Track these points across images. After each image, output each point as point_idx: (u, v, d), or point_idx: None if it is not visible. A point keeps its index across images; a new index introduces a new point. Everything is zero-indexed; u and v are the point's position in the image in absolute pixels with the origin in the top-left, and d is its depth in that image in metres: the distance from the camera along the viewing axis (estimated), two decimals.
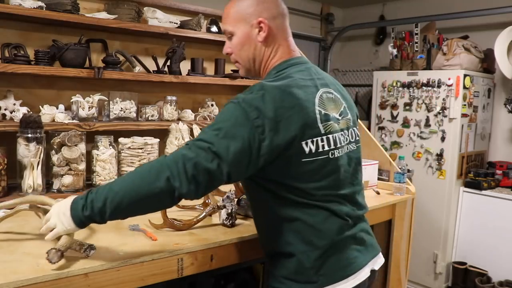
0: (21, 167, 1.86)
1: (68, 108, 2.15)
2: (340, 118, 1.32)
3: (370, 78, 4.35)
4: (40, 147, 1.87)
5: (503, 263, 3.32)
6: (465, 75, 3.42)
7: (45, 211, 1.34)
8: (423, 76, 3.63)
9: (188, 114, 2.53)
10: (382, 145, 3.69)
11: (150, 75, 2.35)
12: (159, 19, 2.36)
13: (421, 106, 3.65)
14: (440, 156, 3.53)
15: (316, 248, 1.24)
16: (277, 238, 1.28)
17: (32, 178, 1.85)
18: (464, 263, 3.51)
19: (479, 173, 3.52)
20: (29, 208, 1.48)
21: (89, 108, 2.13)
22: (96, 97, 2.15)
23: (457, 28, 3.92)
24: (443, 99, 3.50)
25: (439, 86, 3.52)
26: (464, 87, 3.44)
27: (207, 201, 1.77)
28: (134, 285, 1.30)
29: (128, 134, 2.22)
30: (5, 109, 1.99)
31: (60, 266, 1.18)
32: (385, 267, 2.37)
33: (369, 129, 3.57)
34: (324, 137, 1.24)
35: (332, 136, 1.26)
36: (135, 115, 2.31)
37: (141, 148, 2.15)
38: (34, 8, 1.94)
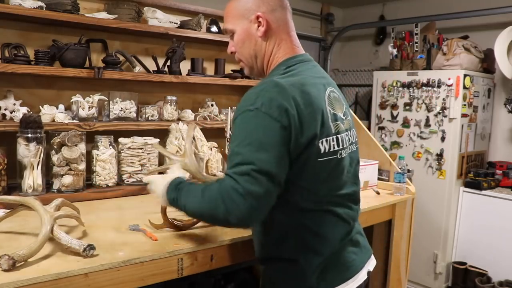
0: (21, 167, 1.86)
1: (68, 108, 2.15)
2: (344, 118, 1.31)
3: (370, 78, 4.35)
4: (40, 147, 1.87)
5: (503, 263, 3.32)
6: (465, 75, 3.42)
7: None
8: (423, 76, 3.63)
9: (188, 114, 2.53)
10: (382, 145, 3.69)
11: (150, 75, 2.35)
12: (159, 19, 2.36)
13: (421, 106, 3.65)
14: (440, 156, 3.53)
15: (319, 255, 1.23)
16: (281, 245, 1.26)
17: (32, 178, 1.85)
18: (464, 263, 3.51)
19: (479, 173, 3.51)
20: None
21: (89, 108, 2.13)
22: (96, 97, 2.15)
23: (457, 28, 3.92)
24: (443, 99, 3.50)
25: (439, 86, 3.52)
26: (464, 87, 3.44)
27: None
28: (134, 285, 1.30)
29: (128, 134, 2.22)
30: (5, 109, 2.00)
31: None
32: (385, 267, 2.37)
33: (369, 129, 3.57)
34: (334, 137, 1.22)
35: (340, 136, 1.25)
36: (135, 115, 2.31)
37: (141, 148, 2.15)
38: (34, 8, 1.94)
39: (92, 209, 1.56)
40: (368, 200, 2.14)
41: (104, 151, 2.06)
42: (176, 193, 1.24)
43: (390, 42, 4.01)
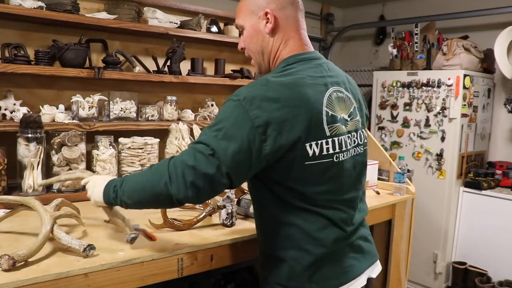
0: (21, 167, 1.86)
1: (68, 108, 2.15)
2: (348, 119, 1.27)
3: (370, 78, 4.35)
4: (40, 147, 1.87)
5: (503, 263, 3.32)
6: (465, 75, 3.42)
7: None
8: (423, 76, 3.63)
9: (188, 114, 2.53)
10: (382, 145, 3.69)
11: (150, 75, 2.35)
12: (159, 19, 2.36)
13: (421, 106, 3.65)
14: (440, 156, 3.53)
15: (309, 255, 1.21)
16: (272, 241, 1.26)
17: (32, 178, 1.85)
18: (464, 263, 3.51)
19: (479, 173, 3.51)
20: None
21: (89, 108, 2.13)
22: (96, 97, 2.16)
23: (457, 28, 3.92)
24: (443, 99, 3.50)
25: (439, 86, 3.52)
26: (464, 87, 3.44)
27: (207, 201, 1.76)
28: (134, 285, 1.30)
29: (128, 134, 2.22)
30: (5, 109, 2.00)
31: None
32: (385, 267, 2.37)
33: (369, 129, 3.57)
34: (329, 140, 1.18)
35: (338, 139, 1.21)
36: (135, 115, 2.31)
37: (141, 148, 2.15)
38: (34, 8, 1.94)
39: (92, 209, 1.56)
40: (368, 200, 2.11)
41: (104, 151, 2.06)
42: (114, 187, 1.25)
43: (390, 42, 4.01)
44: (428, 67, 3.68)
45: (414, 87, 3.67)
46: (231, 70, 2.80)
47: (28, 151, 1.84)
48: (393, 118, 3.84)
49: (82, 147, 1.98)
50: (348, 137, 1.26)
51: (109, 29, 2.26)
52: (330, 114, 1.19)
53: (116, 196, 1.24)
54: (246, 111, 1.09)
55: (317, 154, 1.16)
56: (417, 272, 3.66)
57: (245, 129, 1.09)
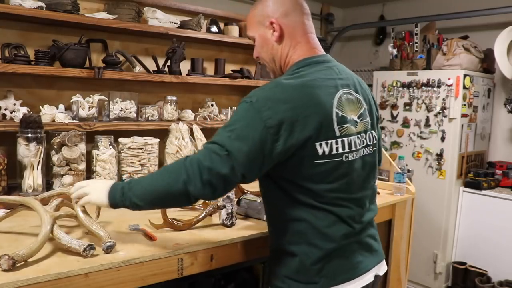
0: (21, 167, 1.86)
1: (68, 108, 2.15)
2: (358, 120, 1.30)
3: (370, 78, 4.35)
4: (40, 147, 1.87)
5: (503, 263, 3.32)
6: (465, 75, 3.42)
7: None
8: (423, 76, 3.63)
9: (188, 114, 2.53)
10: (382, 145, 3.68)
11: (150, 75, 2.36)
12: (159, 19, 2.36)
13: (421, 106, 3.64)
14: (440, 156, 3.53)
15: (319, 250, 1.24)
16: (283, 236, 1.29)
17: (32, 178, 1.85)
18: (464, 263, 3.51)
19: (479, 173, 3.51)
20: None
21: (89, 108, 2.13)
22: (96, 97, 2.16)
23: (457, 28, 3.92)
24: (443, 99, 3.50)
25: (439, 86, 3.52)
26: (464, 87, 3.44)
27: (207, 201, 1.77)
28: (134, 285, 1.30)
29: (128, 134, 2.22)
30: (5, 109, 2.00)
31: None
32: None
33: None
34: (339, 140, 1.22)
35: (347, 139, 1.25)
36: (135, 115, 2.31)
37: (141, 148, 2.15)
38: (34, 8, 1.94)
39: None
40: None
41: (104, 151, 2.06)
42: (122, 190, 1.26)
43: (390, 42, 4.01)
44: (428, 67, 3.68)
45: (414, 87, 3.67)
46: (231, 70, 2.80)
47: (28, 151, 1.84)
48: (393, 118, 3.84)
49: (82, 147, 1.98)
50: (358, 137, 1.29)
51: (109, 29, 2.26)
52: (340, 115, 1.23)
53: (125, 198, 1.25)
54: (258, 112, 1.14)
55: (326, 153, 1.20)
56: (417, 272, 3.66)
57: (257, 130, 1.13)
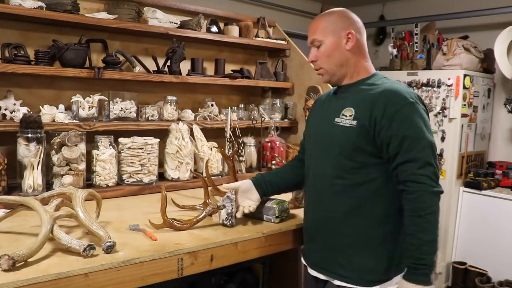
0: (21, 167, 1.86)
1: (68, 108, 2.15)
2: None
3: None
4: (40, 147, 1.87)
5: (503, 263, 3.32)
6: (465, 75, 3.42)
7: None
8: (423, 76, 3.63)
9: (188, 114, 2.53)
10: None
11: (150, 75, 2.35)
12: (159, 19, 2.36)
13: None
14: (440, 156, 3.53)
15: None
16: (391, 228, 1.43)
17: (32, 178, 1.85)
18: (464, 263, 3.51)
19: (479, 173, 3.51)
20: None
21: (89, 108, 2.13)
22: (96, 97, 2.16)
23: (457, 28, 3.92)
24: (443, 99, 3.50)
25: (439, 86, 3.52)
26: (464, 87, 3.44)
27: (207, 201, 1.77)
28: (134, 285, 1.30)
29: (128, 134, 2.22)
30: (5, 109, 2.00)
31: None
32: None
33: None
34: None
35: None
36: (135, 115, 2.31)
37: (141, 148, 2.15)
38: (34, 8, 1.94)
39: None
40: None
41: (104, 151, 2.06)
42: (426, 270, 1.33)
43: (390, 42, 4.01)
44: (428, 67, 3.68)
45: (414, 87, 3.67)
46: (231, 70, 2.80)
47: (28, 151, 1.84)
48: None
49: (82, 147, 1.98)
50: None
51: (109, 29, 2.26)
52: None
53: (432, 271, 1.33)
54: (422, 106, 1.42)
55: None
56: None
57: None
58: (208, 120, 2.59)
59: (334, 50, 1.48)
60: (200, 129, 2.46)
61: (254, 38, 2.85)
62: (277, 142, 2.71)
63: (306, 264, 1.63)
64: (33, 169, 1.85)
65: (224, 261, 1.51)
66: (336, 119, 1.47)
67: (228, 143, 2.48)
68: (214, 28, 2.68)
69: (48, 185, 1.94)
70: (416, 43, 3.77)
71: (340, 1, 4.74)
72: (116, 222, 1.63)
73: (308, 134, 1.66)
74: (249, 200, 1.68)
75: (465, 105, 3.47)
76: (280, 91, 3.07)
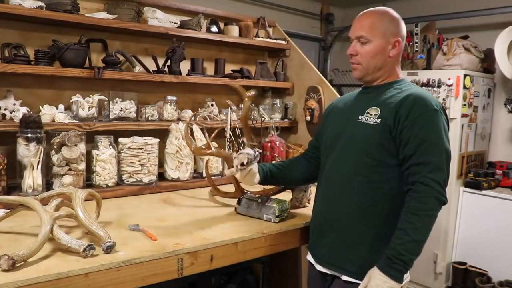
0: (21, 167, 1.86)
1: (68, 108, 2.15)
2: None
3: None
4: (40, 147, 1.86)
5: (503, 263, 3.31)
6: (465, 75, 3.42)
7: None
8: (423, 76, 3.62)
9: (188, 114, 2.53)
10: None
11: (150, 75, 2.35)
12: (159, 19, 2.36)
13: None
14: None
15: None
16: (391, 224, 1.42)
17: (32, 178, 1.85)
18: (464, 263, 3.50)
19: (479, 173, 3.51)
20: None
21: (89, 108, 2.13)
22: (96, 97, 2.15)
23: (457, 28, 3.91)
24: (443, 99, 3.49)
25: (439, 86, 3.52)
26: (464, 87, 3.43)
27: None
28: (134, 285, 1.30)
29: (128, 134, 2.22)
30: (5, 109, 1.99)
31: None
32: None
33: None
34: None
35: None
36: (135, 115, 2.31)
37: (141, 148, 2.15)
38: (34, 8, 1.94)
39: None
40: None
41: (104, 151, 2.05)
42: (403, 266, 1.33)
43: None
44: (428, 67, 3.67)
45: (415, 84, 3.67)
46: (231, 70, 2.80)
47: (28, 151, 1.84)
48: None
49: (82, 147, 1.98)
50: None
51: (109, 29, 2.26)
52: None
53: (407, 267, 1.33)
54: (444, 118, 1.46)
55: None
56: (417, 272, 3.65)
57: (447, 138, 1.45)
58: (208, 120, 2.59)
59: (379, 53, 1.50)
60: (200, 129, 2.45)
61: (254, 38, 2.85)
62: (277, 142, 2.71)
63: (311, 261, 1.63)
64: (33, 169, 1.85)
65: (224, 261, 1.51)
66: (360, 117, 1.49)
67: (228, 143, 2.48)
68: (214, 28, 2.68)
69: (48, 185, 1.94)
70: (416, 43, 3.77)
71: (340, 1, 4.74)
72: (116, 222, 1.63)
73: (325, 134, 1.66)
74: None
75: (465, 105, 3.47)
76: (280, 91, 3.07)
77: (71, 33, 2.21)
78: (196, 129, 2.44)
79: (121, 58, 2.30)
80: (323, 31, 4.89)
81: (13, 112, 1.99)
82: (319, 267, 1.58)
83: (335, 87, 3.92)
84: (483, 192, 3.42)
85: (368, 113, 1.48)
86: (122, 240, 1.42)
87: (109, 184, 2.07)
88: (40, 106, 2.04)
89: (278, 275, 2.21)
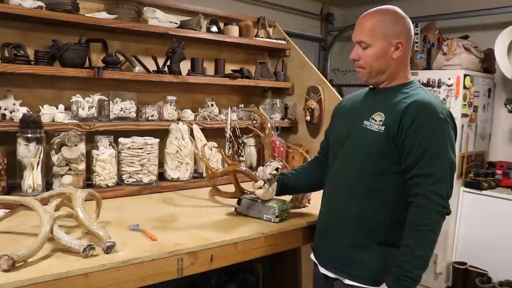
0: (21, 167, 1.86)
1: (68, 108, 2.15)
2: None
3: None
4: (40, 147, 1.86)
5: (503, 263, 3.31)
6: (465, 75, 3.42)
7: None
8: (423, 76, 3.62)
9: (188, 114, 2.53)
10: None
11: (150, 75, 2.35)
12: (159, 19, 2.36)
13: None
14: None
15: None
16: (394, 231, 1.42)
17: (32, 178, 1.85)
18: (464, 263, 3.50)
19: (479, 173, 3.51)
20: None
21: (89, 108, 2.13)
22: (96, 97, 2.15)
23: (457, 28, 3.91)
24: (443, 99, 3.49)
25: (439, 86, 3.52)
26: (464, 87, 3.43)
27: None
28: (134, 285, 1.30)
29: (128, 134, 2.22)
30: (5, 109, 1.99)
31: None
32: None
33: None
34: None
35: None
36: (135, 115, 2.31)
37: (141, 148, 2.15)
38: (34, 8, 1.94)
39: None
40: None
41: (104, 151, 2.05)
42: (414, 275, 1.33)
43: None
44: (428, 67, 3.68)
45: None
46: (231, 70, 2.79)
47: (28, 151, 1.84)
48: None
49: (82, 147, 1.98)
50: None
51: (109, 29, 2.25)
52: None
53: (415, 285, 1.33)
54: (452, 127, 1.40)
55: None
56: None
57: (453, 147, 1.40)
58: (208, 120, 2.59)
59: (380, 56, 1.45)
60: (200, 129, 2.45)
61: (254, 38, 2.85)
62: (277, 142, 2.71)
63: (315, 261, 1.63)
64: (33, 169, 1.85)
65: (224, 261, 1.51)
66: (365, 122, 1.46)
67: (228, 143, 2.48)
68: (214, 28, 2.68)
69: (48, 185, 1.94)
70: (417, 43, 3.77)
71: (340, 1, 4.74)
72: (116, 222, 1.63)
73: (332, 135, 1.65)
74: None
75: (465, 105, 3.47)
76: (280, 91, 3.07)
77: (71, 33, 2.21)
78: (196, 129, 2.43)
79: (121, 58, 2.30)
80: (323, 31, 4.89)
81: (13, 112, 1.99)
82: (321, 269, 1.58)
83: (335, 87, 3.92)
84: (483, 192, 3.42)
85: (373, 118, 1.45)
86: (122, 240, 1.42)
87: (109, 184, 2.07)
88: (40, 106, 2.04)
89: (278, 275, 2.21)
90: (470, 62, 3.48)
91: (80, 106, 2.12)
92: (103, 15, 2.20)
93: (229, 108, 2.63)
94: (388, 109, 1.44)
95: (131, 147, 2.14)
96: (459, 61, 3.46)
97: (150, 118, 2.37)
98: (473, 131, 3.62)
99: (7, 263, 1.14)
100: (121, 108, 2.25)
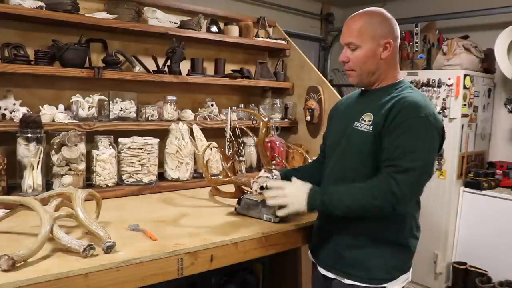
0: (21, 167, 1.86)
1: (68, 108, 2.15)
2: None
3: None
4: (40, 147, 1.86)
5: (503, 263, 3.31)
6: (465, 75, 3.42)
7: None
8: (423, 76, 3.62)
9: (188, 114, 2.53)
10: None
11: (150, 75, 2.35)
12: (159, 19, 2.36)
13: None
14: (440, 156, 3.53)
15: (416, 238, 1.54)
16: (397, 229, 1.46)
17: (32, 178, 1.85)
18: (464, 263, 3.50)
19: (479, 173, 3.51)
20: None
21: (89, 108, 2.13)
22: (96, 97, 2.15)
23: (457, 28, 3.91)
24: (443, 99, 3.50)
25: (439, 86, 3.52)
26: (464, 87, 3.43)
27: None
28: (134, 285, 1.30)
29: (128, 134, 2.22)
30: (5, 109, 1.99)
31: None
32: None
33: None
34: None
35: None
36: (135, 115, 2.31)
37: (141, 148, 2.15)
38: (34, 8, 1.94)
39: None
40: None
41: (104, 151, 2.05)
42: (322, 204, 1.42)
43: None
44: (428, 67, 3.68)
45: (414, 87, 3.67)
46: (231, 70, 2.79)
47: (28, 151, 1.84)
48: None
49: (82, 147, 1.98)
50: None
51: (109, 29, 2.25)
52: None
53: (325, 209, 1.43)
54: (435, 126, 1.39)
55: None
56: (417, 272, 3.64)
57: (437, 140, 1.41)
58: (208, 120, 2.59)
59: (370, 57, 1.46)
60: (200, 129, 2.45)
61: (254, 38, 2.85)
62: (277, 142, 2.71)
63: (314, 261, 1.64)
64: (33, 169, 1.85)
65: (224, 261, 1.51)
66: (356, 123, 1.48)
67: (228, 143, 2.48)
68: (214, 28, 2.68)
69: (48, 185, 1.94)
70: (416, 43, 3.77)
71: (340, 1, 4.74)
72: (116, 222, 1.63)
73: (328, 137, 1.68)
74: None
75: (465, 105, 3.47)
76: (280, 91, 3.07)
77: (71, 33, 2.21)
78: (196, 129, 2.44)
79: (121, 58, 2.30)
80: (323, 31, 4.89)
81: (13, 112, 1.99)
82: (320, 270, 1.58)
83: (335, 87, 3.92)
84: (483, 192, 3.42)
85: (363, 119, 1.47)
86: (122, 240, 1.42)
87: (109, 184, 2.07)
88: (40, 106, 2.04)
89: (278, 275, 2.21)
90: (470, 62, 3.48)
91: (80, 106, 2.12)
92: (103, 15, 2.20)
93: (229, 108, 2.63)
94: (376, 109, 1.45)
95: (131, 147, 2.14)
96: (459, 61, 3.46)
97: (150, 118, 2.37)
98: (473, 131, 3.62)
99: (7, 263, 1.14)
100: (121, 108, 2.25)
